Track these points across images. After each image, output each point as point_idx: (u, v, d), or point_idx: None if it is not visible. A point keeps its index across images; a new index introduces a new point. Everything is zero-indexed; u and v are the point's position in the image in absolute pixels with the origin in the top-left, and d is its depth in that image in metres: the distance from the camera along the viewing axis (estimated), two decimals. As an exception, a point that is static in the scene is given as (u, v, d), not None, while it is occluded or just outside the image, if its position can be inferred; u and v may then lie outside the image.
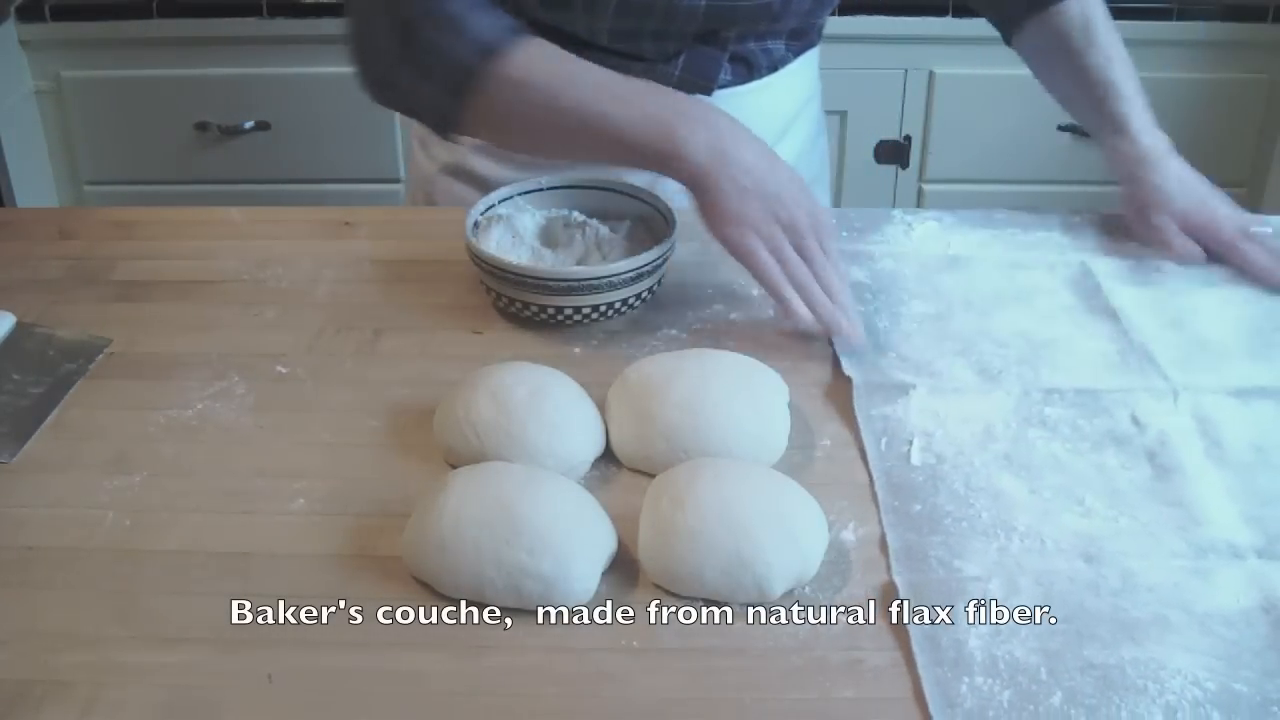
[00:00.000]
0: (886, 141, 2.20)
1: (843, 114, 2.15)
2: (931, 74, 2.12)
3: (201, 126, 2.16)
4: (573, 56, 1.06)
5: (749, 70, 1.23)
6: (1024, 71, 2.11)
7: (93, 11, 2.08)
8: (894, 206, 2.07)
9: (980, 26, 2.04)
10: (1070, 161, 2.17)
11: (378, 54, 1.08)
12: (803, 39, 1.26)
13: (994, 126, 2.15)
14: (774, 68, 1.25)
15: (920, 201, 2.23)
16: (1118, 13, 2.02)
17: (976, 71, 2.11)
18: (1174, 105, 2.12)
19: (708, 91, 1.20)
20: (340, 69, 1.26)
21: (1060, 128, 2.14)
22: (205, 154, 2.19)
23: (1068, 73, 1.23)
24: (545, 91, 1.03)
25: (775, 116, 1.28)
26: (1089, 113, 1.23)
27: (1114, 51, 1.21)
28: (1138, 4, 2.06)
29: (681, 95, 1.05)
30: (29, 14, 2.07)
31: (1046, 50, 1.26)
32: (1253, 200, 2.20)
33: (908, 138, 2.19)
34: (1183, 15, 2.06)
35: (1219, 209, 1.16)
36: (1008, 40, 1.30)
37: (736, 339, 1.05)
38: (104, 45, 2.11)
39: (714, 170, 0.99)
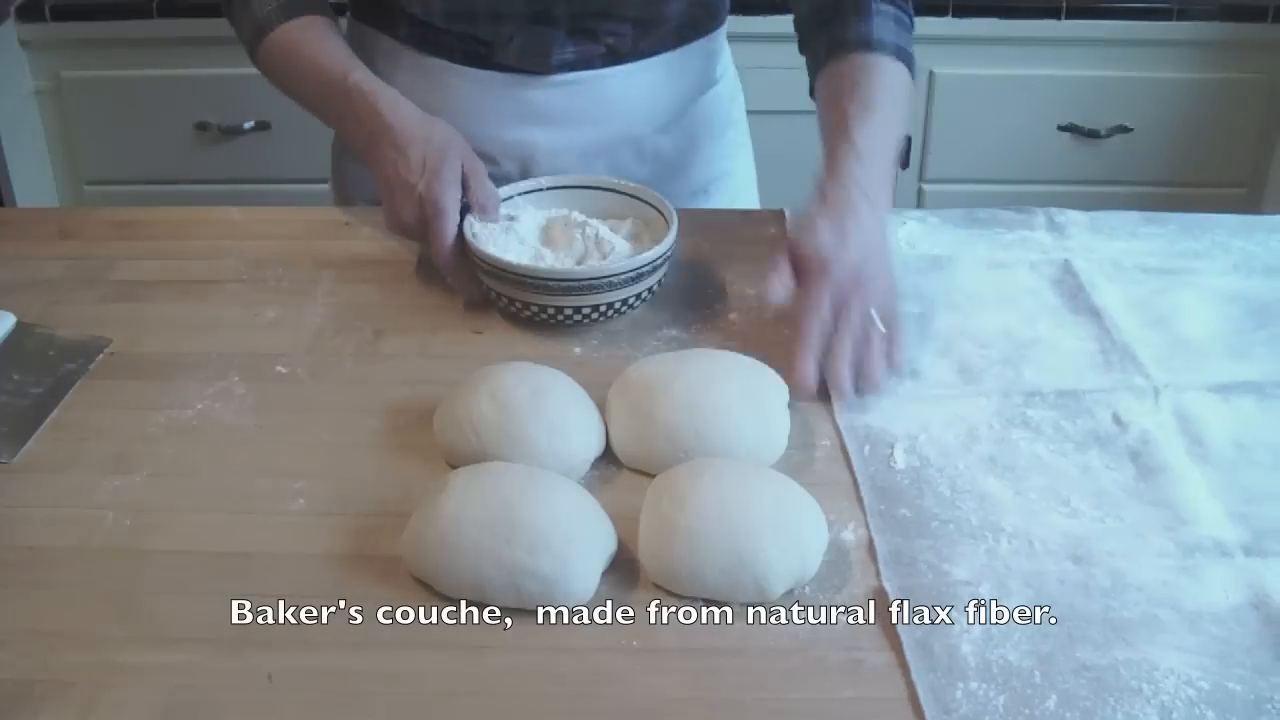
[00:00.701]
0: (886, 141, 2.20)
1: (843, 114, 2.15)
2: (931, 74, 2.12)
3: (201, 126, 2.16)
4: (311, 45, 1.18)
5: (606, 54, 1.22)
6: (1024, 71, 2.12)
7: (93, 11, 2.08)
8: (893, 206, 2.06)
9: (980, 27, 2.06)
10: (1070, 161, 2.17)
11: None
12: (655, 27, 1.22)
13: (994, 126, 2.15)
14: (640, 54, 1.23)
15: (920, 201, 2.23)
16: (1118, 13, 2.06)
17: (976, 71, 2.11)
18: (1174, 105, 2.12)
19: (546, 71, 1.21)
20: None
21: (1060, 128, 2.14)
22: (205, 154, 2.19)
23: (825, 116, 1.12)
24: (284, 80, 1.21)
25: (645, 103, 1.26)
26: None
27: (875, 101, 1.09)
28: (1138, 4, 2.06)
29: (355, 113, 1.13)
30: (29, 14, 2.07)
31: (824, 97, 1.15)
32: (1252, 200, 2.20)
33: (907, 138, 2.19)
34: (1183, 15, 2.06)
35: (845, 268, 0.98)
36: (811, 92, 1.19)
37: (736, 339, 1.05)
38: (104, 45, 2.11)
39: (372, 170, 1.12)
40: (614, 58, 1.23)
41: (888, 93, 1.11)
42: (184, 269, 1.15)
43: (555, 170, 1.20)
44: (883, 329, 0.98)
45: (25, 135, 2.14)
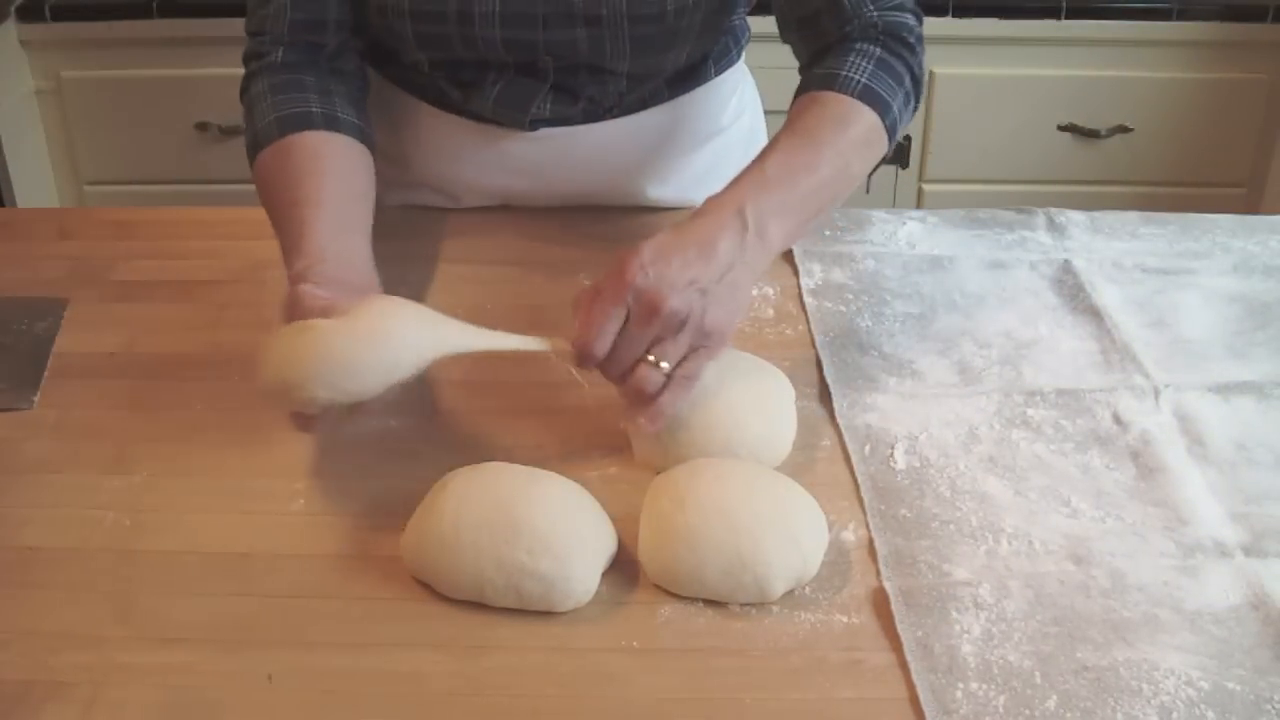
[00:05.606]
0: (886, 141, 2.19)
1: (842, 114, 2.15)
2: (931, 74, 2.12)
3: (201, 126, 2.15)
4: (302, 171, 1.00)
5: (588, 110, 1.15)
6: (1024, 71, 2.12)
7: (93, 11, 2.08)
8: (894, 207, 2.07)
9: (980, 27, 2.06)
10: (1070, 161, 2.17)
11: None
12: (647, 81, 1.15)
13: (994, 126, 2.15)
14: (627, 109, 1.16)
15: (920, 202, 2.23)
16: (1118, 13, 2.06)
17: (976, 71, 2.11)
18: (1174, 105, 2.12)
19: (522, 125, 1.14)
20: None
21: (1060, 128, 2.14)
22: (205, 154, 2.19)
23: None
24: (265, 201, 1.03)
25: (632, 159, 1.20)
26: None
27: (791, 143, 0.97)
28: (1138, 4, 2.06)
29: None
30: (29, 14, 2.07)
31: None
32: (1252, 200, 2.20)
33: (908, 138, 2.19)
34: (1183, 15, 2.06)
35: (646, 269, 0.84)
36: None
37: (736, 339, 1.04)
38: (104, 45, 2.10)
39: None
40: (597, 114, 1.16)
41: (812, 132, 0.98)
42: (184, 269, 1.15)
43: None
44: (665, 370, 0.85)
45: (25, 135, 2.13)
